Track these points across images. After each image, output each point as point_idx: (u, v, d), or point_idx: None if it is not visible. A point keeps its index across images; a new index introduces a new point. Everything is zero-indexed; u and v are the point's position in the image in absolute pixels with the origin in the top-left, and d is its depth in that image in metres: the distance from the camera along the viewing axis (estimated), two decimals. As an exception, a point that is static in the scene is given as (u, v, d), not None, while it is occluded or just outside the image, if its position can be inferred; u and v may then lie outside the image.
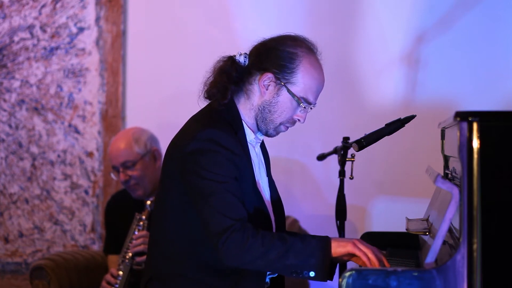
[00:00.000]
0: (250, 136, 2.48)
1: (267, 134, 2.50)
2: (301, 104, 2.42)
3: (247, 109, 2.47)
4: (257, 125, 2.48)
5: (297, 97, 2.41)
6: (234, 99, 2.47)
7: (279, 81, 2.41)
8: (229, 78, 2.43)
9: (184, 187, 2.35)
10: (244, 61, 2.47)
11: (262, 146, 2.60)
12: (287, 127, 2.49)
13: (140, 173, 3.53)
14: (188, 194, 2.34)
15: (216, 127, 2.35)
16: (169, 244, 2.42)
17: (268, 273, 2.47)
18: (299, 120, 2.47)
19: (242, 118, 2.46)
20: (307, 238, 2.30)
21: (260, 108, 2.45)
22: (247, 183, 2.39)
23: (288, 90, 2.41)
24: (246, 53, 2.49)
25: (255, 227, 2.28)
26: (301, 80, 2.41)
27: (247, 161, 2.40)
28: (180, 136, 2.45)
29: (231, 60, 2.47)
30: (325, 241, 2.28)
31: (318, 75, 2.44)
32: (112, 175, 3.61)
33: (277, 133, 2.50)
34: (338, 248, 2.28)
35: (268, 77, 2.42)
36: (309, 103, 2.44)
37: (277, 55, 2.41)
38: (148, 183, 3.56)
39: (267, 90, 2.43)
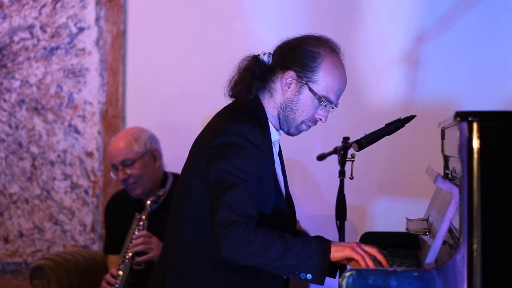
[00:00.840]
0: (274, 136, 2.50)
1: (289, 133, 2.52)
2: (322, 102, 2.44)
3: (270, 107, 2.49)
4: (280, 123, 2.49)
5: (318, 95, 2.44)
6: (259, 97, 2.49)
7: (300, 79, 2.44)
8: (253, 75, 2.46)
9: (206, 178, 2.35)
10: (268, 60, 2.50)
11: (279, 147, 2.61)
12: (309, 126, 2.51)
13: (139, 171, 3.53)
14: (209, 186, 2.34)
15: (246, 122, 2.36)
16: (187, 239, 2.42)
17: None
18: (320, 119, 2.49)
19: (267, 116, 2.48)
20: (308, 240, 2.30)
21: (282, 106, 2.47)
22: (270, 181, 2.40)
23: (310, 89, 2.43)
24: (270, 52, 2.51)
25: (257, 225, 2.28)
26: (323, 78, 2.44)
27: (272, 159, 2.42)
28: (207, 132, 2.46)
29: (255, 58, 2.50)
30: (325, 245, 2.29)
31: (340, 74, 2.47)
32: (111, 174, 3.62)
33: (299, 132, 2.52)
34: (336, 253, 2.28)
35: (290, 75, 2.44)
36: (331, 102, 2.46)
37: (299, 54, 2.44)
38: (147, 182, 3.56)
39: (289, 88, 2.45)
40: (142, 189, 3.56)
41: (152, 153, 3.60)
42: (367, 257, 2.27)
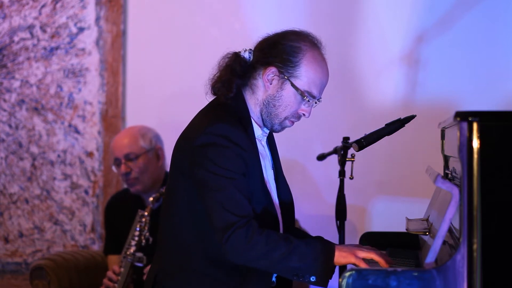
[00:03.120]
0: (257, 131, 2.49)
1: (272, 130, 2.50)
2: (305, 97, 2.43)
3: (252, 104, 2.48)
4: (263, 120, 2.48)
5: (300, 90, 2.42)
6: (242, 93, 2.48)
7: (282, 75, 2.42)
8: (232, 72, 2.44)
9: (192, 180, 2.35)
10: (249, 57, 2.48)
11: (270, 137, 2.59)
12: (293, 122, 2.49)
13: (141, 167, 3.53)
14: (196, 187, 2.34)
15: (226, 122, 2.35)
16: (177, 238, 2.43)
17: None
18: (304, 114, 2.47)
19: (250, 113, 2.47)
20: (312, 242, 2.31)
21: (264, 103, 2.45)
22: (255, 180, 2.39)
23: (292, 84, 2.42)
24: (250, 49, 2.50)
25: (260, 226, 2.28)
26: (304, 73, 2.42)
27: (255, 157, 2.41)
28: (189, 130, 2.46)
29: (235, 55, 2.48)
30: (329, 248, 2.30)
31: (322, 68, 2.45)
32: (113, 168, 3.61)
33: (283, 128, 2.50)
34: (339, 258, 2.30)
35: (271, 71, 2.43)
36: (313, 97, 2.44)
37: (280, 49, 2.42)
38: (147, 179, 3.55)
39: (271, 84, 2.44)
40: (142, 186, 3.56)
41: (156, 151, 3.60)
42: (374, 256, 2.29)
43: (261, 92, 2.46)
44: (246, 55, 2.48)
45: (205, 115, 2.46)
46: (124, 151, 3.53)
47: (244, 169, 2.33)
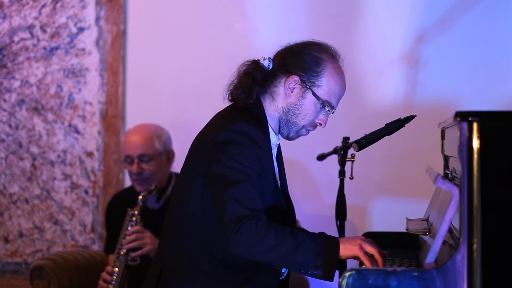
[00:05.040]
0: (272, 138, 2.52)
1: (288, 137, 2.55)
2: (325, 107, 2.48)
3: (271, 111, 2.52)
4: (279, 127, 2.52)
5: (322, 100, 2.47)
6: (261, 100, 2.51)
7: (304, 84, 2.47)
8: (253, 80, 2.48)
9: (206, 178, 2.37)
10: (268, 65, 2.53)
11: (278, 151, 2.63)
12: (309, 131, 2.55)
13: (154, 169, 3.52)
14: (210, 183, 2.36)
15: (247, 121, 2.39)
16: (184, 236, 2.44)
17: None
18: (320, 123, 2.53)
19: (268, 118, 2.51)
20: (317, 236, 2.34)
21: (284, 110, 2.50)
22: (268, 181, 2.42)
23: (313, 93, 2.47)
24: (270, 57, 2.54)
25: (269, 220, 2.30)
26: (326, 84, 2.47)
27: (270, 159, 2.45)
28: (208, 130, 2.48)
29: (255, 63, 2.52)
30: (334, 242, 2.33)
31: (341, 80, 2.52)
32: (123, 165, 3.58)
33: (298, 137, 2.56)
34: (344, 251, 2.33)
35: (294, 80, 2.47)
36: (332, 107, 2.50)
37: (303, 59, 2.48)
38: (157, 181, 3.55)
39: (292, 92, 2.48)
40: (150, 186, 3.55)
41: (168, 154, 3.59)
42: (375, 254, 2.33)
43: (282, 99, 2.50)
44: (266, 63, 2.53)
45: (224, 116, 2.49)
46: (138, 151, 3.51)
47: (259, 169, 2.37)
